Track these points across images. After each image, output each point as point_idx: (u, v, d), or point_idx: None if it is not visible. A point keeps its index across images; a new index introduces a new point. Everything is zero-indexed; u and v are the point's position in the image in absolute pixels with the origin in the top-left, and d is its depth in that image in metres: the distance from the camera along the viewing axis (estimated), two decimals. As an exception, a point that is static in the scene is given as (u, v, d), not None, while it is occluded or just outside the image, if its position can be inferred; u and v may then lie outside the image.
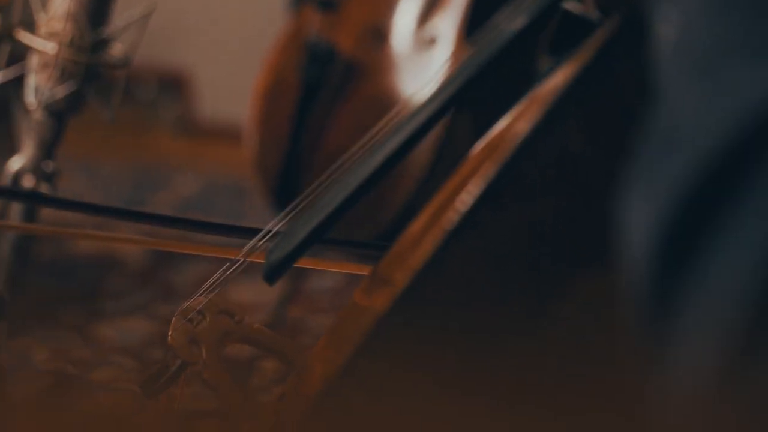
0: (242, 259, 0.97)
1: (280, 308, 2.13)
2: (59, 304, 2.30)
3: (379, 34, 1.90)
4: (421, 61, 1.81)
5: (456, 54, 1.70)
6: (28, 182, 1.42)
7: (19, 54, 1.44)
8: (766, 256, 0.42)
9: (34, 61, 1.41)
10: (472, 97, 0.78)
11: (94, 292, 2.27)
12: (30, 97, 1.40)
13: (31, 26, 1.41)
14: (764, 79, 0.46)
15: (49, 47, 1.38)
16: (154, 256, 2.39)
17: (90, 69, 1.41)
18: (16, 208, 1.45)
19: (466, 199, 0.69)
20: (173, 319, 0.96)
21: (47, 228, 0.84)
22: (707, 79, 0.49)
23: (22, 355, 1.98)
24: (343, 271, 0.99)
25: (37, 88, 1.40)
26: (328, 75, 1.87)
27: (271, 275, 0.89)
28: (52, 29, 1.40)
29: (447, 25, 1.81)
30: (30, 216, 1.45)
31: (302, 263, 0.94)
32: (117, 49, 1.45)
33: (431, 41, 1.84)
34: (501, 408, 0.71)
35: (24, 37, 1.38)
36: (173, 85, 3.39)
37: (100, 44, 1.42)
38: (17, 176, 1.42)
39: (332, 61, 1.86)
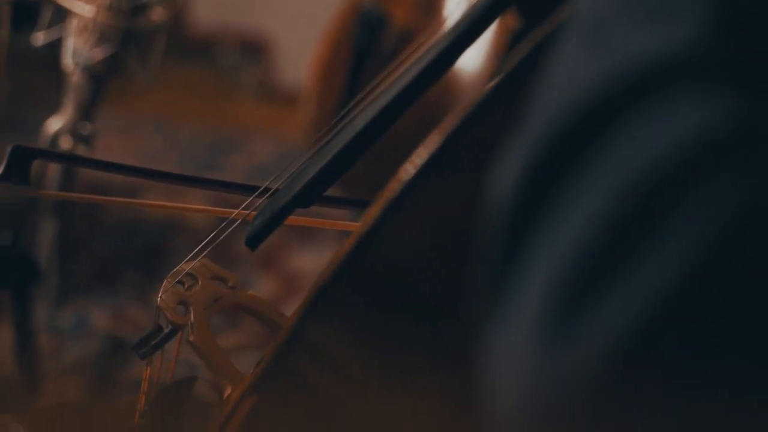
0: (238, 219, 0.97)
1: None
2: (120, 267, 2.34)
3: (431, 4, 1.89)
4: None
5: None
6: (65, 143, 1.45)
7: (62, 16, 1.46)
8: (603, 217, 0.41)
9: (73, 24, 1.43)
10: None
11: (156, 255, 2.29)
12: (67, 59, 1.42)
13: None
14: (639, 43, 0.46)
15: (87, 10, 1.40)
16: (220, 223, 2.37)
17: (128, 33, 1.43)
18: (54, 169, 1.47)
19: (410, 169, 0.68)
20: (165, 281, 0.96)
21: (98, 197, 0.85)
22: (589, 44, 0.48)
23: (80, 317, 2.02)
24: (335, 227, 0.99)
25: (75, 50, 1.42)
26: (378, 42, 1.87)
27: (253, 240, 0.90)
28: (92, -8, 1.42)
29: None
30: (69, 178, 1.48)
31: (293, 221, 0.93)
32: (156, 13, 1.46)
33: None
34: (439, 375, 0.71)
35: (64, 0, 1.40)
36: (255, 51, 3.41)
37: (139, 8, 1.44)
38: (55, 137, 1.45)
39: (382, 29, 1.86)
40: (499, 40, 0.83)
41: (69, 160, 0.96)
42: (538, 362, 0.41)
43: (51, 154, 0.94)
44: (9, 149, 0.88)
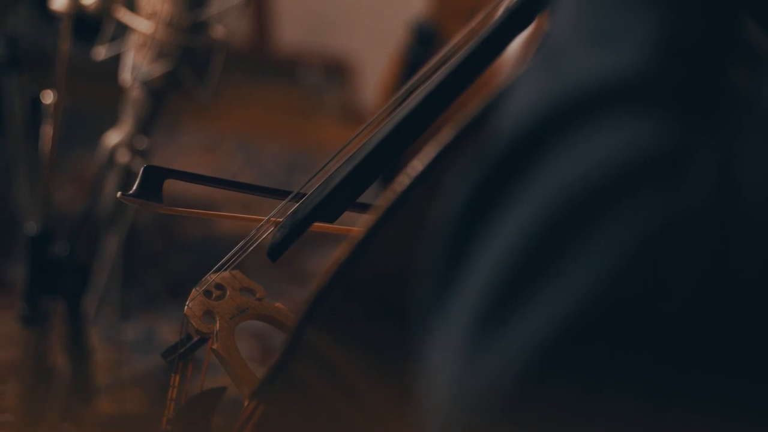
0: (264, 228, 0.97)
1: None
2: (192, 283, 2.33)
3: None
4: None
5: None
6: (122, 157, 1.47)
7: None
8: (523, 238, 0.42)
9: (133, 39, 1.45)
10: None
11: (227, 271, 2.30)
12: (126, 74, 1.44)
13: (133, 5, 1.46)
14: (586, 67, 0.47)
15: (147, 26, 1.42)
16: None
17: (187, 49, 1.45)
18: (111, 183, 1.50)
19: (404, 180, 0.69)
20: (193, 290, 0.97)
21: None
22: (546, 67, 0.50)
23: (149, 331, 2.05)
24: (344, 232, 0.98)
25: (134, 65, 1.44)
26: (431, 56, 1.89)
27: (273, 252, 0.91)
28: (152, 9, 1.44)
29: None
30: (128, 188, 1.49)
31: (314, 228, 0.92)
32: (217, 32, 1.48)
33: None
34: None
35: (124, 15, 1.42)
36: (338, 73, 3.43)
37: (199, 26, 1.46)
38: (113, 150, 1.47)
39: (435, 43, 1.88)
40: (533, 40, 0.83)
41: (197, 179, 0.99)
42: (465, 369, 0.42)
43: (180, 173, 0.97)
44: (142, 168, 0.93)
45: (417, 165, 0.69)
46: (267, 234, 0.95)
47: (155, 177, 0.94)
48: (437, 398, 0.44)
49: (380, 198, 0.70)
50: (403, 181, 0.69)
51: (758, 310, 0.39)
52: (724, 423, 0.39)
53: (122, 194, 0.93)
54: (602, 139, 0.43)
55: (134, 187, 0.93)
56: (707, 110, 0.44)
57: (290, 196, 0.95)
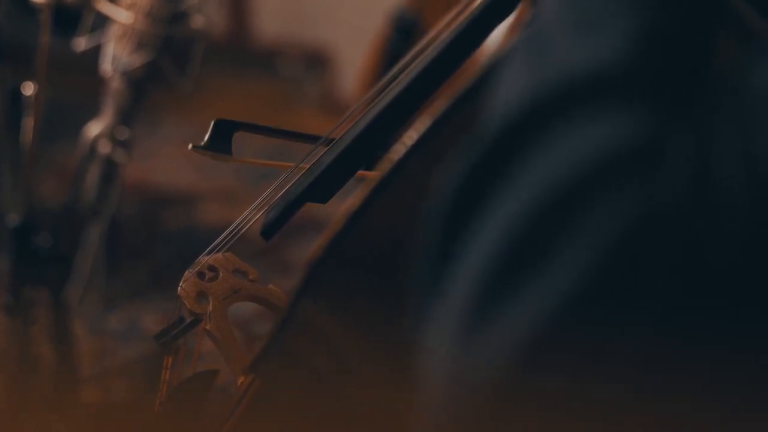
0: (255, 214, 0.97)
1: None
2: (177, 273, 2.32)
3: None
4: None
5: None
6: (104, 148, 1.47)
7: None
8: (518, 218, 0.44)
9: (113, 30, 1.45)
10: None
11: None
12: (106, 65, 1.44)
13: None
14: (576, 54, 0.48)
15: (126, 17, 1.42)
16: (281, 234, 2.36)
17: (166, 40, 1.44)
18: (94, 174, 1.50)
19: (400, 149, 0.70)
20: (187, 271, 0.97)
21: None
22: (530, 57, 0.51)
23: (132, 320, 2.05)
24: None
25: (114, 56, 1.44)
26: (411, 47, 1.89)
27: (267, 232, 0.91)
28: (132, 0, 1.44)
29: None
30: (109, 179, 1.49)
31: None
32: (197, 22, 1.47)
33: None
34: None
35: (103, 6, 1.42)
36: (318, 63, 3.43)
37: (178, 16, 1.45)
38: (94, 141, 1.47)
39: (415, 33, 1.88)
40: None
41: (265, 131, 1.01)
42: (464, 346, 0.43)
43: (249, 125, 0.99)
44: (213, 122, 0.97)
45: (412, 134, 0.69)
46: (258, 217, 0.96)
47: (225, 130, 0.98)
48: (437, 375, 0.45)
49: (376, 168, 0.71)
50: (399, 150, 0.70)
51: (734, 294, 0.40)
52: (707, 398, 0.41)
53: (193, 146, 0.96)
54: (582, 132, 0.45)
55: (205, 140, 0.97)
56: (685, 100, 0.46)
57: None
